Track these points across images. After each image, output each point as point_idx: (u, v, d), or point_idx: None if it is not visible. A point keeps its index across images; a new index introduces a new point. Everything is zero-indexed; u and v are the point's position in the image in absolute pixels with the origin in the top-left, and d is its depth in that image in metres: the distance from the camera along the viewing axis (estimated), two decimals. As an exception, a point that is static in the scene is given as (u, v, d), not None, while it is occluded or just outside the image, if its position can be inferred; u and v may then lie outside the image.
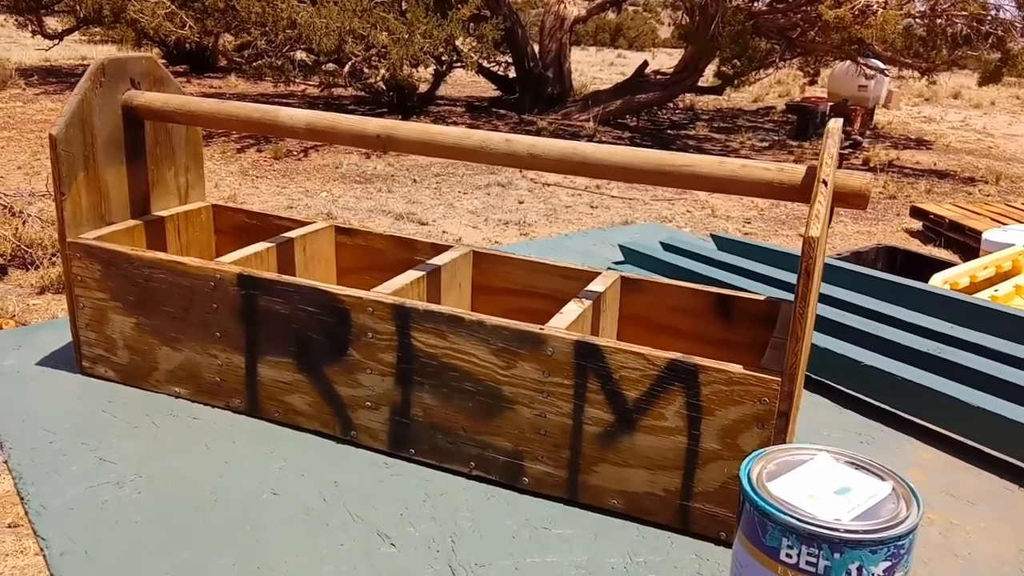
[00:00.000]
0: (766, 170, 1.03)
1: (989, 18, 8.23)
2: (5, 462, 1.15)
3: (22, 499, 1.07)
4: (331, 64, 9.73)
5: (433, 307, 1.10)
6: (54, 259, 4.58)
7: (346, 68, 9.11)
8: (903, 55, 8.91)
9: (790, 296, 1.49)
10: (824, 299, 1.64)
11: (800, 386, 1.04)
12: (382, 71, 8.95)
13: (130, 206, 1.40)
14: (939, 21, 8.69)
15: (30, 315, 4.08)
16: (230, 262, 1.24)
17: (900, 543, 0.76)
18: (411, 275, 1.24)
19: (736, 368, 0.98)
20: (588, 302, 1.17)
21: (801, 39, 8.95)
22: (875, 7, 7.75)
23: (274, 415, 1.24)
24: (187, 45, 12.06)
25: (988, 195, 7.62)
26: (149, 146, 1.42)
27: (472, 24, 10.02)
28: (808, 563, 0.76)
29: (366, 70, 9.34)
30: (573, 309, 1.14)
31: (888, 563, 0.76)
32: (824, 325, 1.52)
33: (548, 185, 7.47)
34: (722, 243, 2.07)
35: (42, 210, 5.20)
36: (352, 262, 1.46)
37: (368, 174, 7.69)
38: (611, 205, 6.92)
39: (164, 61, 13.95)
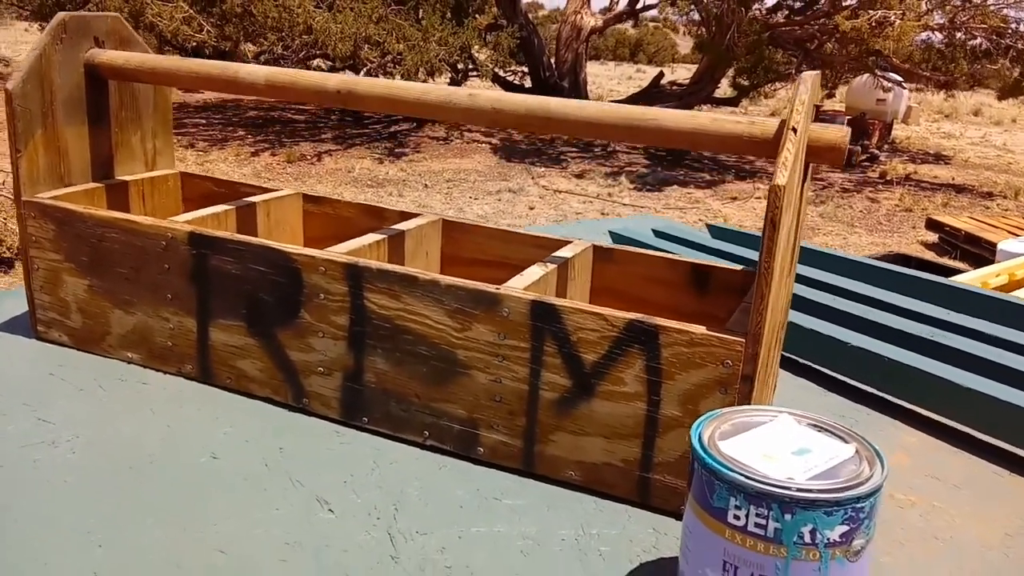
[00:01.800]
0: (737, 123, 0.97)
1: (1010, 31, 8.12)
2: (-58, 421, 1.10)
3: (-46, 459, 1.02)
4: (347, 71, 9.76)
5: (387, 266, 1.05)
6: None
7: (361, 74, 9.12)
8: (921, 68, 8.82)
9: None
10: (815, 284, 1.57)
11: (770, 351, 0.98)
12: (397, 77, 8.95)
13: (91, 169, 1.36)
14: (958, 35, 8.60)
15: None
16: (183, 221, 1.19)
17: (859, 505, 0.69)
18: (371, 238, 1.18)
19: (698, 329, 0.91)
20: (553, 266, 1.11)
21: (818, 51, 8.87)
22: (892, 19, 7.67)
23: (226, 381, 1.19)
24: (206, 51, 12.16)
25: (1006, 210, 7.49)
26: (113, 108, 1.38)
27: (488, 33, 10.03)
28: (757, 524, 0.70)
29: (381, 76, 9.35)
30: (535, 271, 1.08)
31: (845, 527, 0.69)
32: (812, 308, 1.45)
33: (559, 192, 7.42)
34: (717, 232, 2.01)
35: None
36: (320, 231, 1.41)
37: (380, 178, 7.67)
38: (623, 212, 6.86)
39: (184, 67, 14.05)
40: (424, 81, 9.97)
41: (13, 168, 1.25)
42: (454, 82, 10.83)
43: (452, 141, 9.15)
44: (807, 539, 0.69)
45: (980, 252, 5.67)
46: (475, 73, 10.23)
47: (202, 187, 1.48)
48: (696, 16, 10.25)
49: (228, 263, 1.13)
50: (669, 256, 1.20)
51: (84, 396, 1.16)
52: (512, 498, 0.99)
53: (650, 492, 0.97)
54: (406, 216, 1.32)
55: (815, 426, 0.80)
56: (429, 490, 1.00)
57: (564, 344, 0.97)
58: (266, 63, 10.03)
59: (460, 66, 10.09)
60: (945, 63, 8.74)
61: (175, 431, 1.09)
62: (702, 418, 0.79)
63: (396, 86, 1.13)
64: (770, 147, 0.96)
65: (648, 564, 0.89)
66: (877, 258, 4.33)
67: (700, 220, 6.76)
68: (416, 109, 1.12)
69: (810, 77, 0.93)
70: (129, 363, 1.25)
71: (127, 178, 1.41)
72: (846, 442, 0.77)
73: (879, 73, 8.81)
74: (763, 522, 0.69)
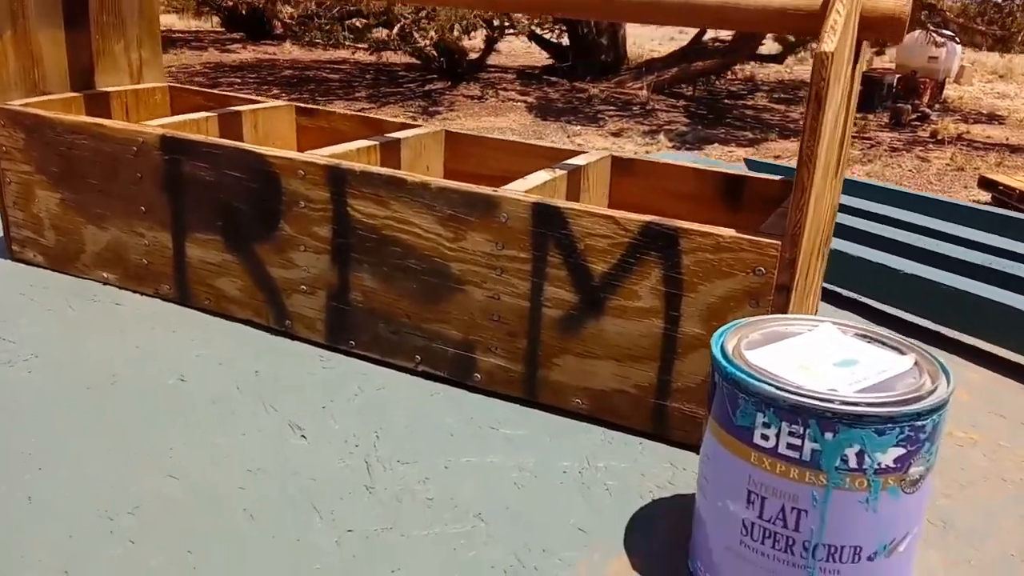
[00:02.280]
0: (777, -6, 0.83)
1: (1074, -18, 7.70)
2: None
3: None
4: (381, 28, 9.61)
5: (372, 168, 0.93)
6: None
7: (395, 30, 8.98)
8: (976, 23, 8.41)
9: None
10: (862, 214, 1.42)
11: (810, 260, 0.84)
12: (431, 32, 8.80)
13: (70, 77, 1.25)
14: (1019, -14, 8.19)
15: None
16: (156, 125, 1.08)
17: (919, 423, 0.56)
18: (361, 143, 1.06)
19: (726, 232, 0.78)
20: (562, 172, 0.98)
21: (868, 4, 8.51)
22: (949, -32, 7.31)
23: (205, 302, 1.08)
24: (242, 11, 12.08)
25: (1065, 170, 7.14)
26: (94, 12, 1.27)
27: (525, -11, 9.78)
28: (790, 446, 0.57)
29: (415, 33, 9.20)
30: (540, 176, 0.95)
31: (901, 450, 0.56)
32: (859, 237, 1.31)
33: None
34: (754, 165, 1.86)
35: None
36: (314, 145, 1.29)
37: (412, 136, 7.54)
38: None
39: (223, 28, 14.00)
40: (459, 39, 9.78)
41: (-20, 71, 1.15)
42: (490, 39, 10.63)
43: (487, 99, 8.99)
44: (852, 464, 0.56)
45: (1036, 211, 5.40)
46: (512, 31, 10.01)
47: (193, 101, 1.36)
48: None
49: (202, 169, 1.01)
50: (696, 166, 1.06)
51: (51, 316, 1.07)
52: (511, 428, 0.87)
53: (667, 422, 0.85)
54: (406, 127, 1.20)
55: (865, 336, 0.67)
56: (417, 418, 0.88)
57: (570, 253, 0.84)
58: (300, 22, 9.92)
59: (496, 23, 9.88)
60: (1002, 17, 8.34)
61: (144, 352, 0.99)
62: (726, 326, 0.66)
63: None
64: (816, 21, 0.81)
65: (662, 501, 0.77)
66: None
67: (740, 179, 6.52)
68: (410, -5, 0.99)
69: (865, -68, 0.78)
70: (105, 284, 1.15)
71: (109, 89, 1.30)
72: (903, 353, 0.64)
73: (932, 28, 8.43)
74: (798, 443, 0.57)
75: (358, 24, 9.91)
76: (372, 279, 0.95)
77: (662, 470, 0.81)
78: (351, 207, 0.94)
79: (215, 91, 1.34)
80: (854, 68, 0.84)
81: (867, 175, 6.81)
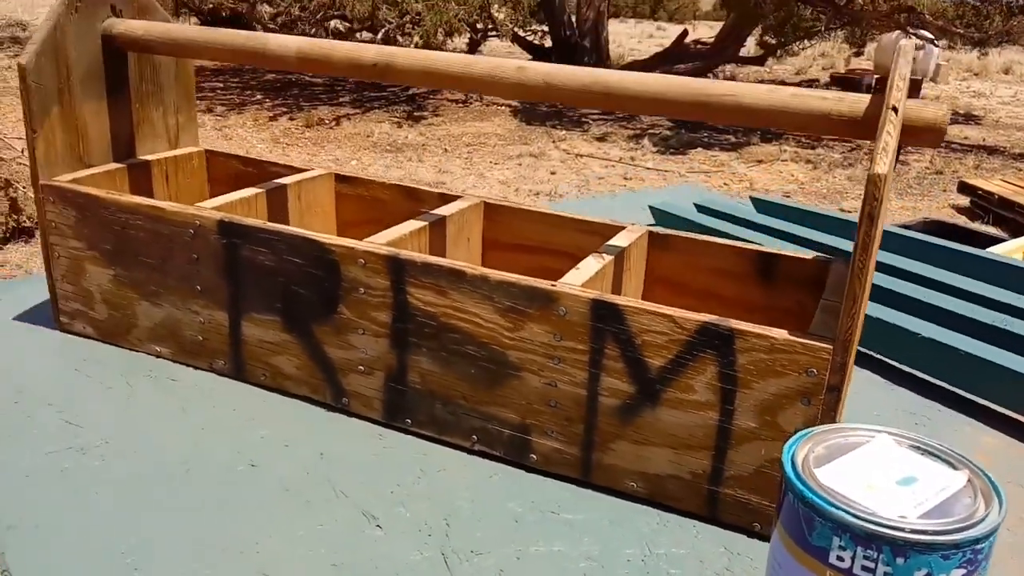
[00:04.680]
0: (823, 100, 0.88)
1: (1049, -14, 7.85)
2: (-37, 423, 1.04)
3: (-23, 464, 0.97)
4: (366, 33, 9.59)
5: (432, 259, 0.97)
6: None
7: (379, 35, 8.97)
8: (955, 25, 8.56)
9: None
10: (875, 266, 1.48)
11: (853, 357, 0.90)
12: (416, 38, 8.80)
13: (112, 148, 1.29)
14: (995, -11, 8.34)
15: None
16: (211, 207, 1.12)
17: (978, 547, 0.62)
18: (411, 225, 1.11)
19: (779, 334, 0.83)
20: (609, 258, 1.03)
21: (849, 7, 8.62)
22: (927, -27, 7.43)
23: (260, 378, 1.12)
24: (223, 14, 12.00)
25: (1041, 172, 7.29)
26: (133, 82, 1.30)
27: (509, -8, 9.80)
28: (864, 568, 0.62)
29: (400, 38, 9.19)
30: (591, 265, 1.00)
31: (963, 571, 0.62)
32: (874, 293, 1.36)
33: (581, 156, 7.29)
34: (761, 205, 1.92)
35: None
36: (353, 214, 1.33)
37: (399, 143, 7.57)
38: (645, 176, 6.74)
39: (199, 28, 13.90)
40: (442, 42, 9.78)
41: (29, 149, 1.18)
42: (473, 43, 10.65)
43: (471, 104, 9.01)
44: (922, 584, 0.62)
45: (1014, 217, 5.52)
46: (494, 33, 10.03)
47: (228, 166, 1.40)
48: (721, -28, 10.00)
49: (260, 253, 1.05)
50: (732, 244, 1.11)
51: (111, 395, 1.10)
52: (570, 512, 0.92)
53: (720, 507, 0.90)
54: (446, 199, 1.24)
55: (918, 448, 0.72)
56: (481, 502, 0.93)
57: (627, 347, 0.89)
58: (283, 26, 9.88)
59: (479, 26, 9.90)
60: (979, 19, 8.48)
61: (209, 434, 1.03)
62: (792, 440, 0.72)
63: (436, 58, 1.04)
64: (859, 127, 0.87)
65: (723, 589, 0.82)
66: (910, 225, 4.22)
67: (725, 184, 6.63)
68: (458, 83, 1.03)
69: (909, 46, 0.84)
70: (158, 357, 1.19)
71: (149, 158, 1.33)
72: (955, 468, 0.69)
73: (911, 31, 8.56)
74: (871, 565, 0.62)
75: (341, 28, 9.89)
76: (430, 362, 1.00)
77: (718, 556, 0.86)
78: (411, 295, 0.98)
79: (250, 158, 1.37)
80: (895, 164, 0.89)
81: (848, 179, 6.93)
